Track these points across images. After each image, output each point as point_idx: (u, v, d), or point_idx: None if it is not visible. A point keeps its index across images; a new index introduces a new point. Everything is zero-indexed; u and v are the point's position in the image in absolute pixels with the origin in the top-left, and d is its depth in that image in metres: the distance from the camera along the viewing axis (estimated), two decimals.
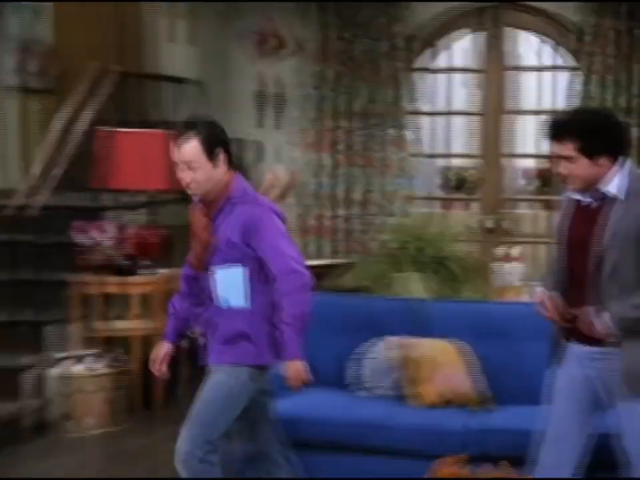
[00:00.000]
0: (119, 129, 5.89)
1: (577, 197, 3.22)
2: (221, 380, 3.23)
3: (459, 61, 7.91)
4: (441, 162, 8.15)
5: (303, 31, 7.10)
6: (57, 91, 7.16)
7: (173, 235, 5.89)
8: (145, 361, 5.14)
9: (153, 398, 5.71)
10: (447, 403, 3.94)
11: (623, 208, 3.10)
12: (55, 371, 5.53)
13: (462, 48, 7.78)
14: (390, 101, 6.80)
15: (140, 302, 5.88)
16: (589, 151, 3.08)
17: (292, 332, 3.18)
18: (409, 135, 6.97)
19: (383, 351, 4.13)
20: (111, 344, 5.85)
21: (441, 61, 7.43)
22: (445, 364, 4.03)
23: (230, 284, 3.26)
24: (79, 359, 5.48)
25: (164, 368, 3.45)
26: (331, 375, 4.19)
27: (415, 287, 4.55)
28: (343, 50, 6.90)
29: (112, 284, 5.59)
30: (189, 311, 3.41)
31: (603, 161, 3.09)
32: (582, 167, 3.10)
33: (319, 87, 6.89)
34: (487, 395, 4.01)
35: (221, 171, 3.16)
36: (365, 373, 4.14)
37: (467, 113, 7.48)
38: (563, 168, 3.13)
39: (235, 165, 3.79)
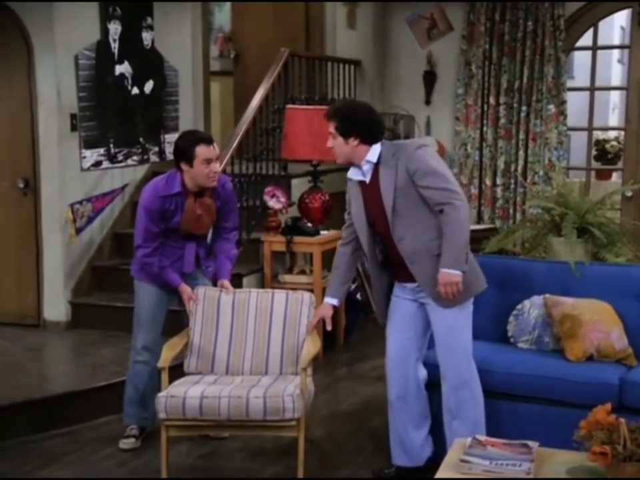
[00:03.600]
0: (301, 107, 5.98)
1: (359, 177, 3.60)
2: None
3: (614, 38, 7.79)
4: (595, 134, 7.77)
5: (473, 15, 6.97)
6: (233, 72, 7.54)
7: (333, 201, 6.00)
8: None
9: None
10: (591, 357, 3.90)
11: (384, 169, 3.50)
12: None
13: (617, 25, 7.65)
14: (549, 78, 6.74)
15: (305, 258, 5.99)
16: (342, 131, 3.51)
17: None
18: (560, 110, 6.81)
19: (540, 307, 4.12)
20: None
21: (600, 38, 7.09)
22: (592, 322, 3.98)
23: None
24: None
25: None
26: (493, 329, 4.21)
27: (566, 250, 4.46)
28: (508, 32, 6.84)
29: (297, 243, 5.75)
30: None
31: (353, 141, 3.51)
32: (339, 144, 3.55)
33: (481, 67, 6.87)
34: (630, 351, 3.94)
35: None
36: (523, 327, 4.14)
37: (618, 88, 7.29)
38: (330, 142, 3.59)
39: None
